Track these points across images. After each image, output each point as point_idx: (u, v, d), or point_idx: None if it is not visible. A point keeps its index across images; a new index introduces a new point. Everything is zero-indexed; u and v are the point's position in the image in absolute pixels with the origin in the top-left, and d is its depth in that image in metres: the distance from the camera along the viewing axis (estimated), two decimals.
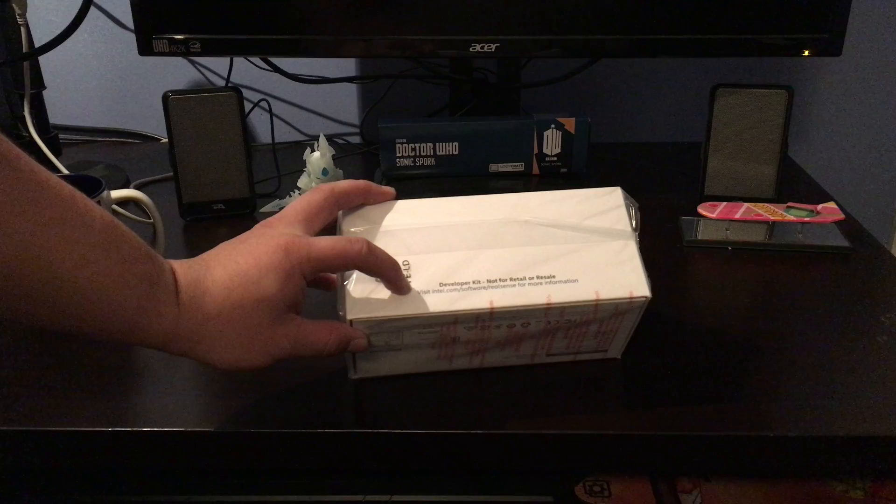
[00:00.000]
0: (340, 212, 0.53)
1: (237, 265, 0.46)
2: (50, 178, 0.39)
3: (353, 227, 0.52)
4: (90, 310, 0.41)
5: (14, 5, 0.89)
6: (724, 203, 0.79)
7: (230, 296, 0.45)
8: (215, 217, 0.84)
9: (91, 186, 0.65)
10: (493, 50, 0.80)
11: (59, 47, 0.91)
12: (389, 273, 0.49)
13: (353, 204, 0.53)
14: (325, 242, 0.48)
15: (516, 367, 0.57)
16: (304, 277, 0.47)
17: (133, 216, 0.81)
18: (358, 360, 0.54)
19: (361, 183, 0.53)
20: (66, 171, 0.90)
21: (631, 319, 0.53)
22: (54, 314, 0.40)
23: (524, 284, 0.50)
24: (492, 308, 0.49)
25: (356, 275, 0.50)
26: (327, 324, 0.50)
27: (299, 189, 0.87)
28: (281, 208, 0.68)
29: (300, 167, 0.86)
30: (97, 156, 1.04)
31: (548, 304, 0.49)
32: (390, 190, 0.54)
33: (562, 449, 0.51)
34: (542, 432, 0.51)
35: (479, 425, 0.51)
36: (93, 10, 1.03)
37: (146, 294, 0.42)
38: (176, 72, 1.08)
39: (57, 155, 0.95)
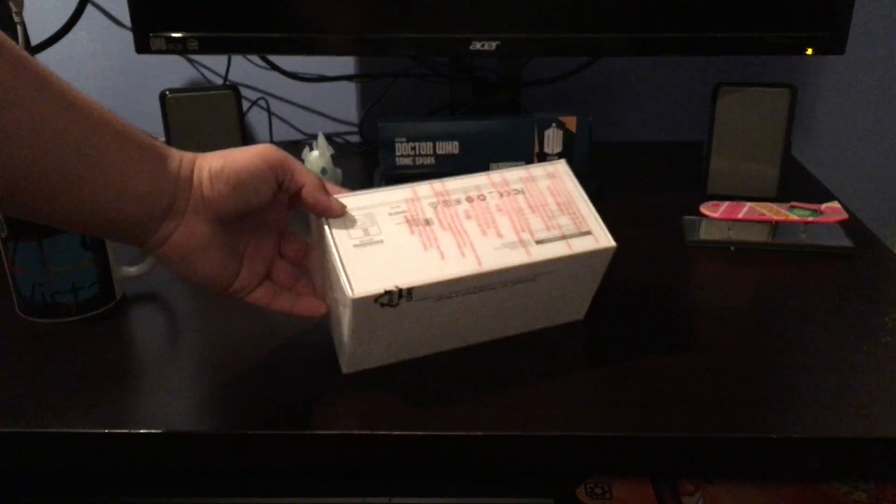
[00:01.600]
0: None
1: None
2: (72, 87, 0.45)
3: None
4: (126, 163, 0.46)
5: (11, 4, 0.88)
6: (727, 203, 0.78)
7: (226, 150, 0.52)
8: None
9: None
10: (493, 48, 0.80)
11: (56, 45, 0.91)
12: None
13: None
14: None
15: (516, 368, 0.57)
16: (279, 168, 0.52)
17: None
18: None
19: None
20: None
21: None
22: (96, 195, 0.45)
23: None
24: (442, 183, 0.57)
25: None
26: None
27: None
28: None
29: None
30: None
31: (486, 174, 0.59)
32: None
33: (562, 451, 0.51)
34: (542, 434, 0.51)
35: (479, 426, 0.51)
36: (90, 7, 1.02)
37: (152, 142, 0.48)
38: (173, 70, 1.08)
39: None
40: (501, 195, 0.58)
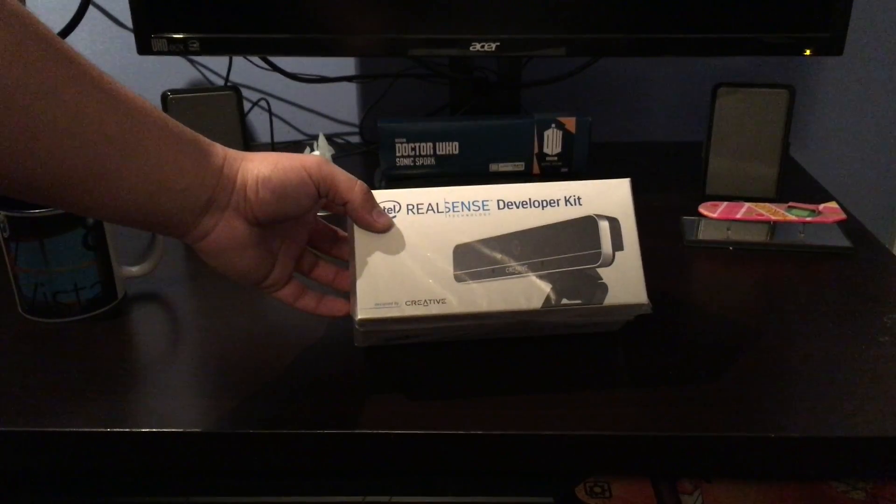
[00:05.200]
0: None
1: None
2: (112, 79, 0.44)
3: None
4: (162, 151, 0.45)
5: None
6: (726, 203, 0.78)
7: (267, 153, 0.51)
8: None
9: None
10: (493, 49, 0.80)
11: None
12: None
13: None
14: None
15: (515, 368, 0.57)
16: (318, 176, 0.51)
17: None
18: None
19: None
20: None
21: None
22: (125, 187, 0.44)
23: None
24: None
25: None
26: None
27: None
28: None
29: None
30: None
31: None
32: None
33: (562, 449, 0.51)
34: (542, 432, 0.51)
35: (479, 425, 0.51)
36: (91, 9, 1.03)
37: (194, 135, 0.48)
38: (175, 71, 1.08)
39: None
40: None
